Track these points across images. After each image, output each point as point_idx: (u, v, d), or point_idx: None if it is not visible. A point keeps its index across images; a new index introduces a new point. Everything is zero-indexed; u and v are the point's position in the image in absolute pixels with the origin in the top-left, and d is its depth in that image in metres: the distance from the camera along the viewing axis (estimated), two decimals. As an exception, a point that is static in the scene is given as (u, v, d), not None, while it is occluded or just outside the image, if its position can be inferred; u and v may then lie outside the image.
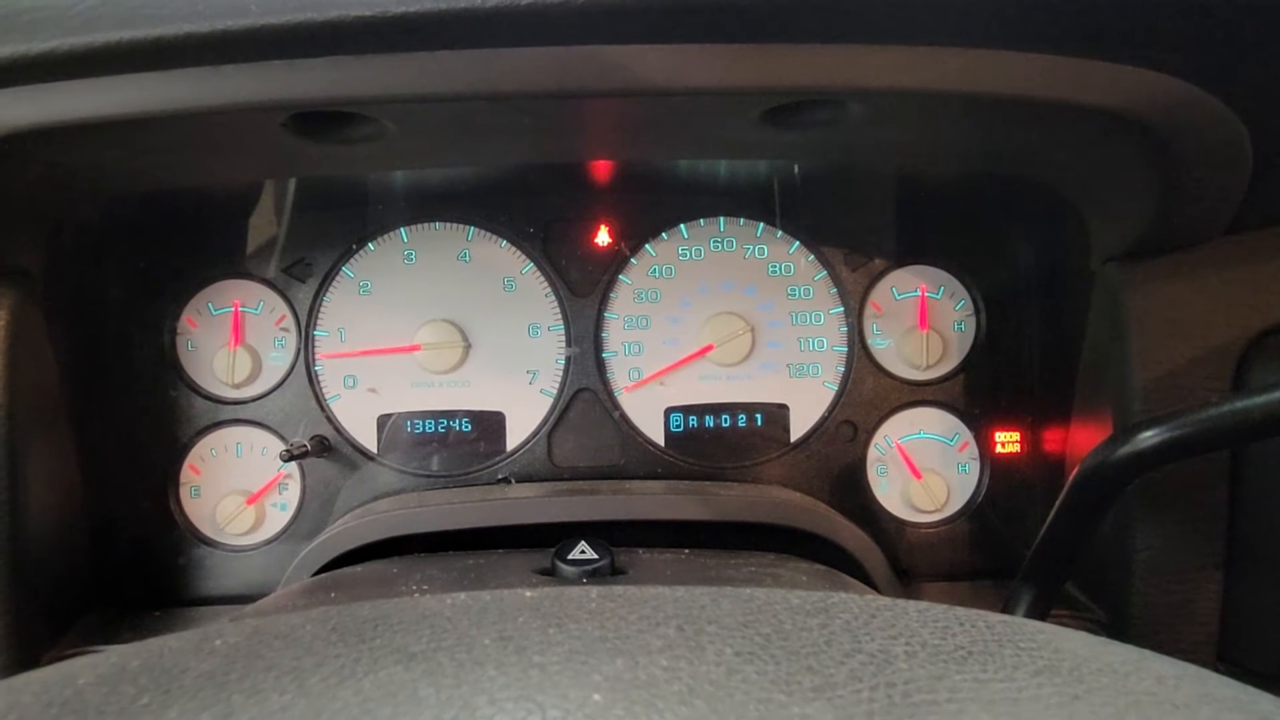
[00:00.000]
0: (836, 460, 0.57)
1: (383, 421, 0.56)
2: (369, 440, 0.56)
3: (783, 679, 0.17)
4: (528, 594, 0.22)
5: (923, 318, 0.57)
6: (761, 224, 0.57)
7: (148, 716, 0.17)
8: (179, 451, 0.55)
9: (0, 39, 0.30)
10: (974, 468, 0.57)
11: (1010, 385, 0.56)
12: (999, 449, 0.57)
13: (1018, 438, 0.57)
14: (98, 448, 0.51)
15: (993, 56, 0.34)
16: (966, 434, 0.57)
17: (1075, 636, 0.22)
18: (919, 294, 0.57)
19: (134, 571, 0.54)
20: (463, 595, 0.22)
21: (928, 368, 0.57)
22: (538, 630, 0.20)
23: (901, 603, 0.22)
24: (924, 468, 0.56)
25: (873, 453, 0.57)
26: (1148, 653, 0.21)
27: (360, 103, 0.36)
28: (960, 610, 0.21)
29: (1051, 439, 0.55)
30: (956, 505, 0.57)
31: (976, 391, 0.57)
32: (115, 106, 0.34)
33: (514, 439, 0.56)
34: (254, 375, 0.55)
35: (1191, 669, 0.20)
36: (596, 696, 0.17)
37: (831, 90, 0.37)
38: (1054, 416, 0.54)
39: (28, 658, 0.44)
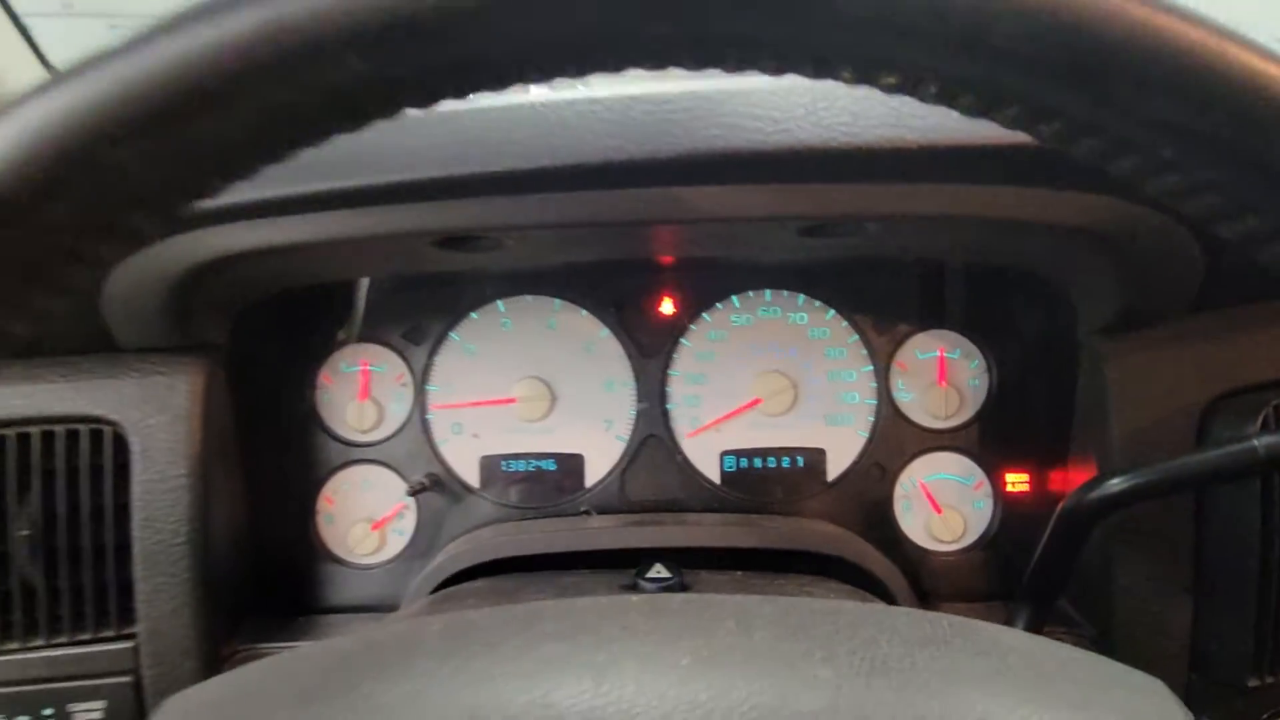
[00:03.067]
0: (867, 497, 0.66)
1: (484, 462, 0.67)
2: (472, 478, 0.66)
3: (804, 652, 0.27)
4: (632, 599, 0.32)
5: (941, 375, 0.66)
6: (802, 295, 0.67)
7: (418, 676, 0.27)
8: (317, 485, 0.66)
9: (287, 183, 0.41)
10: (987, 504, 0.66)
11: (1018, 434, 0.66)
12: (1009, 488, 0.66)
13: (1026, 478, 0.66)
14: (257, 483, 0.63)
15: (975, 189, 0.44)
16: (981, 475, 0.66)
17: (1012, 633, 0.31)
18: (938, 355, 0.66)
19: (281, 585, 0.65)
20: (588, 599, 0.33)
21: (947, 418, 0.66)
22: (644, 621, 0.30)
23: (893, 608, 0.32)
24: (944, 503, 0.66)
25: (899, 490, 0.66)
26: (1066, 646, 0.31)
27: (510, 230, 0.48)
28: (932, 614, 0.31)
29: (1054, 480, 0.64)
30: (972, 536, 0.66)
31: (989, 438, 0.66)
32: (336, 231, 0.46)
33: (592, 477, 0.67)
34: (378, 423, 0.66)
35: (1082, 654, 0.29)
36: (685, 660, 0.27)
37: (851, 217, 0.47)
38: (1055, 461, 0.63)
39: (214, 656, 0.55)
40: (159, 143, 0.19)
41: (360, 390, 0.66)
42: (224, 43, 0.19)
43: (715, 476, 0.66)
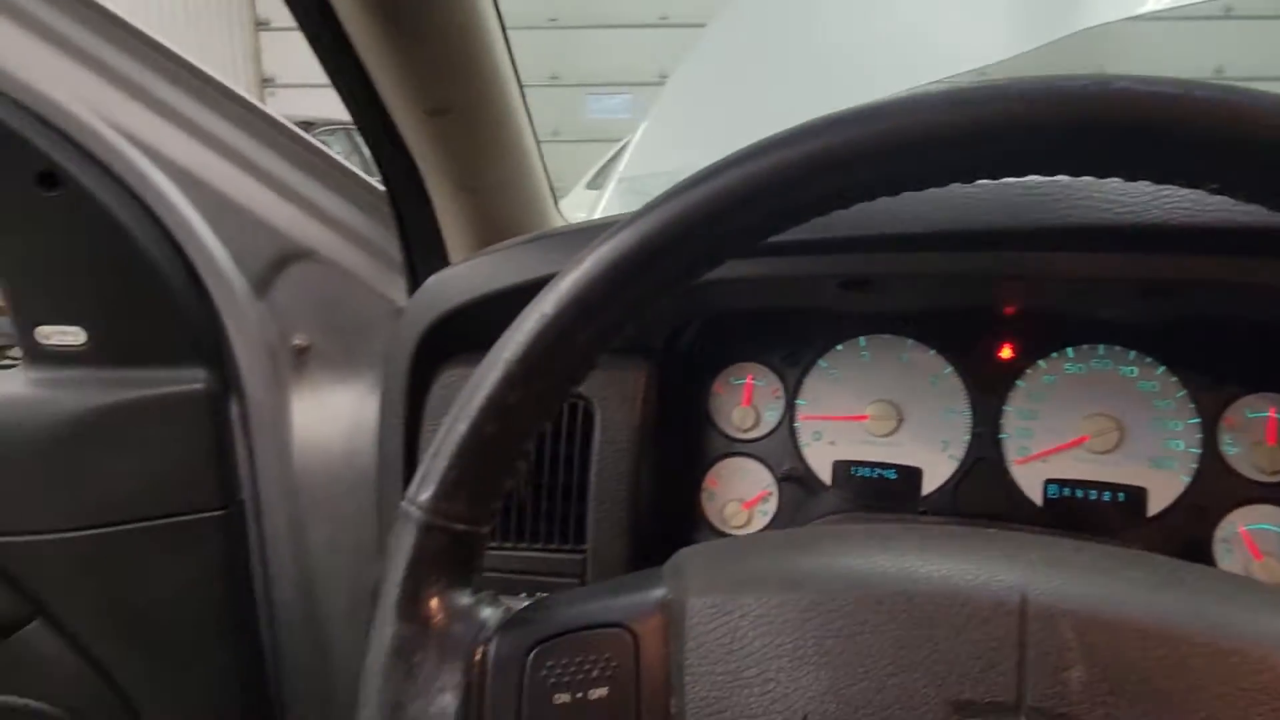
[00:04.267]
0: (1186, 536, 0.73)
1: (837, 465, 0.82)
2: (826, 476, 0.82)
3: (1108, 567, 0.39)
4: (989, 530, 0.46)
5: (1270, 434, 0.72)
6: (1134, 351, 0.76)
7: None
8: (704, 468, 0.85)
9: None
10: (1310, 557, 0.71)
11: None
12: (1335, 545, 0.70)
13: (1354, 539, 0.70)
14: (663, 458, 0.83)
15: None
16: (1305, 530, 0.71)
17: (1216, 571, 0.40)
18: (1268, 415, 0.72)
19: (671, 542, 0.84)
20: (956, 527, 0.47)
21: (1272, 473, 0.72)
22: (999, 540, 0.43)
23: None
24: (1264, 551, 0.71)
25: (1218, 533, 0.72)
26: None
27: (910, 277, 0.64)
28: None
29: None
30: (1293, 586, 0.71)
31: None
32: (785, 270, 0.65)
33: (927, 488, 0.80)
34: (755, 425, 0.84)
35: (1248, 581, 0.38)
36: (1034, 555, 0.40)
37: (1187, 284, 0.58)
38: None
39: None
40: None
41: (744, 398, 0.85)
42: (792, 163, 0.37)
43: (1038, 500, 0.77)
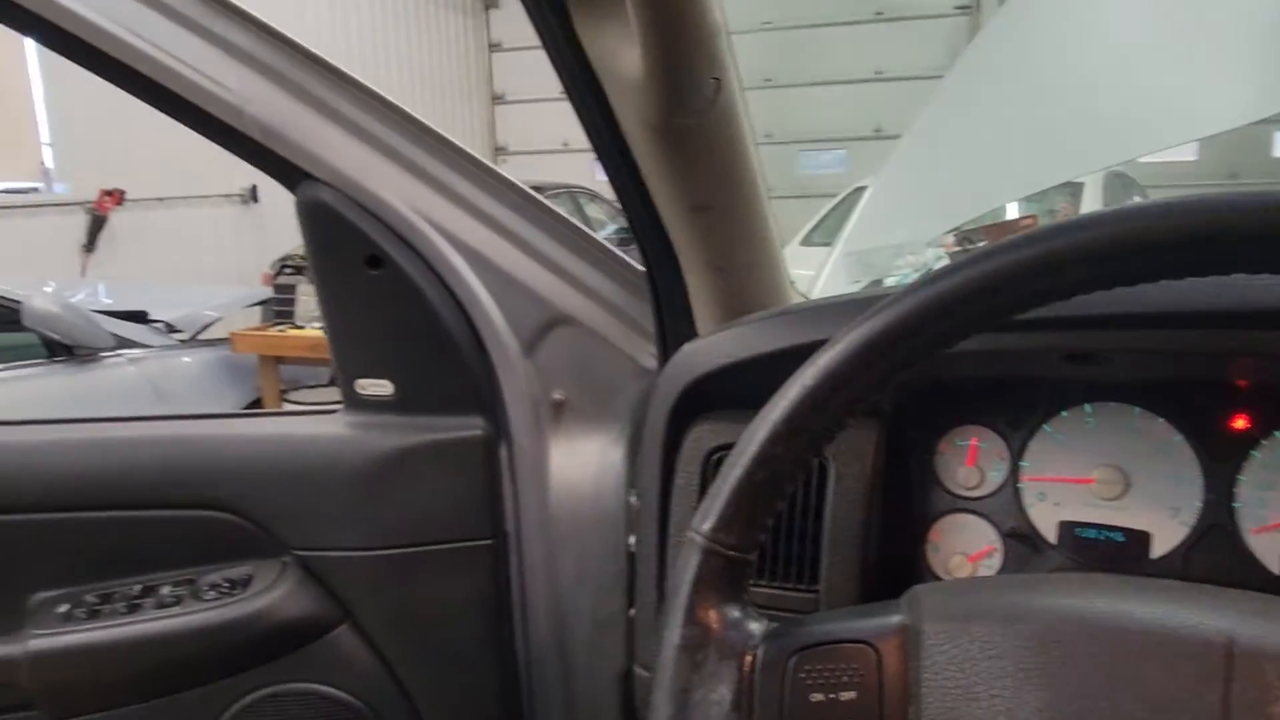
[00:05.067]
0: None
1: (1061, 525, 0.85)
2: (1051, 536, 0.86)
3: None
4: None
5: None
6: (1386, 422, 0.75)
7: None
8: (929, 523, 0.91)
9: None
10: None
11: None
12: None
13: None
14: (889, 515, 0.89)
15: None
16: None
17: None
18: None
19: (897, 592, 0.90)
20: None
21: None
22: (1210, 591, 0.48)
23: None
24: None
25: None
26: None
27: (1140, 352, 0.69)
28: None
29: None
30: None
31: None
32: (1019, 344, 0.72)
33: (1156, 553, 0.82)
34: (980, 484, 0.89)
35: None
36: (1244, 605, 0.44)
37: None
38: None
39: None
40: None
41: (969, 458, 0.90)
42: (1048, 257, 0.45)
43: (1275, 569, 0.77)
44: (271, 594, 1.06)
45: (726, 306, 0.94)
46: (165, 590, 1.07)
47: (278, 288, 4.39)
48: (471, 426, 1.08)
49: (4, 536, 1.06)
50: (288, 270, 4.46)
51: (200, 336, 4.07)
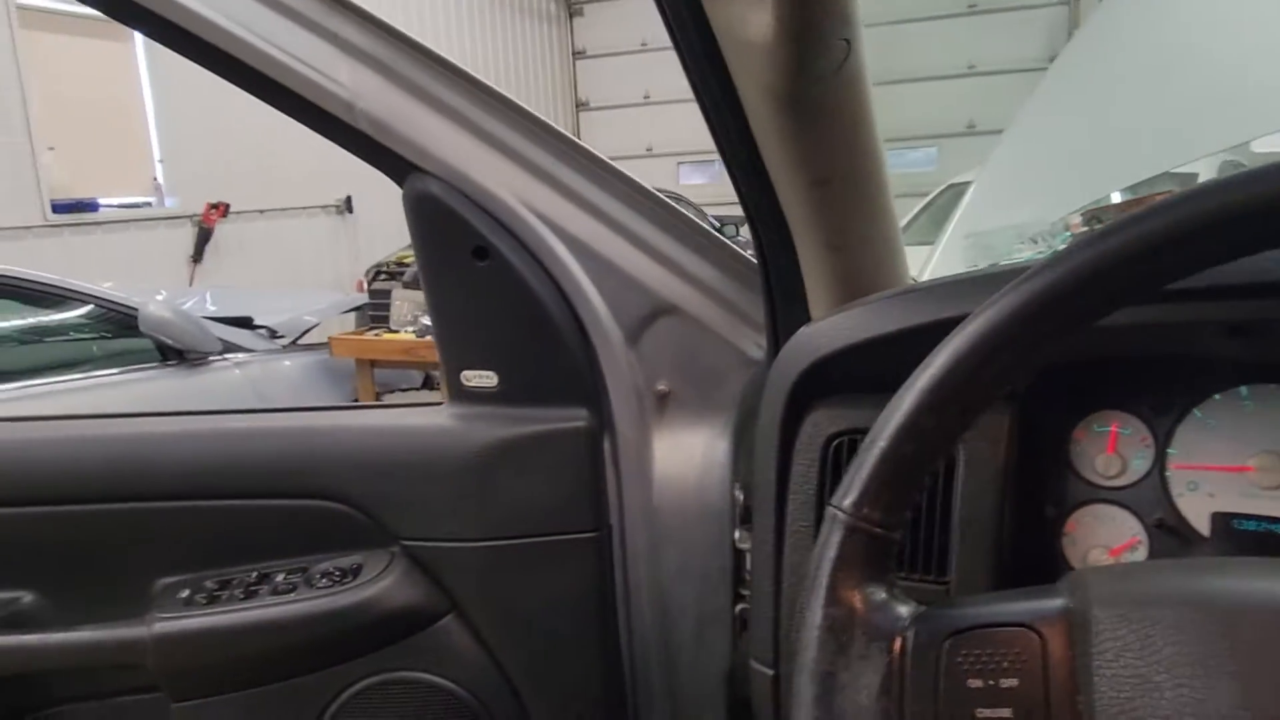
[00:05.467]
0: None
1: (1215, 517, 0.79)
2: (1203, 528, 0.79)
3: None
4: None
5: None
6: None
7: None
8: (1065, 514, 0.85)
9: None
10: None
11: None
12: None
13: None
14: (1022, 504, 0.84)
15: None
16: None
17: None
18: None
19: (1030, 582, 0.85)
20: None
21: None
22: None
23: None
24: None
25: None
26: None
27: None
28: None
29: None
30: None
31: None
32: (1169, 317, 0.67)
33: None
34: (1121, 472, 0.83)
35: None
36: None
37: None
38: None
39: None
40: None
41: (1109, 445, 0.84)
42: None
43: None
44: (380, 583, 1.07)
45: (842, 288, 0.90)
46: (280, 578, 1.09)
47: (373, 293, 4.50)
48: (575, 418, 1.07)
49: (131, 523, 1.09)
50: (382, 276, 4.58)
51: (300, 341, 4.20)
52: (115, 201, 6.46)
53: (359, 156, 1.05)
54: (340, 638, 1.08)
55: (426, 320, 3.96)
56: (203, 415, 1.14)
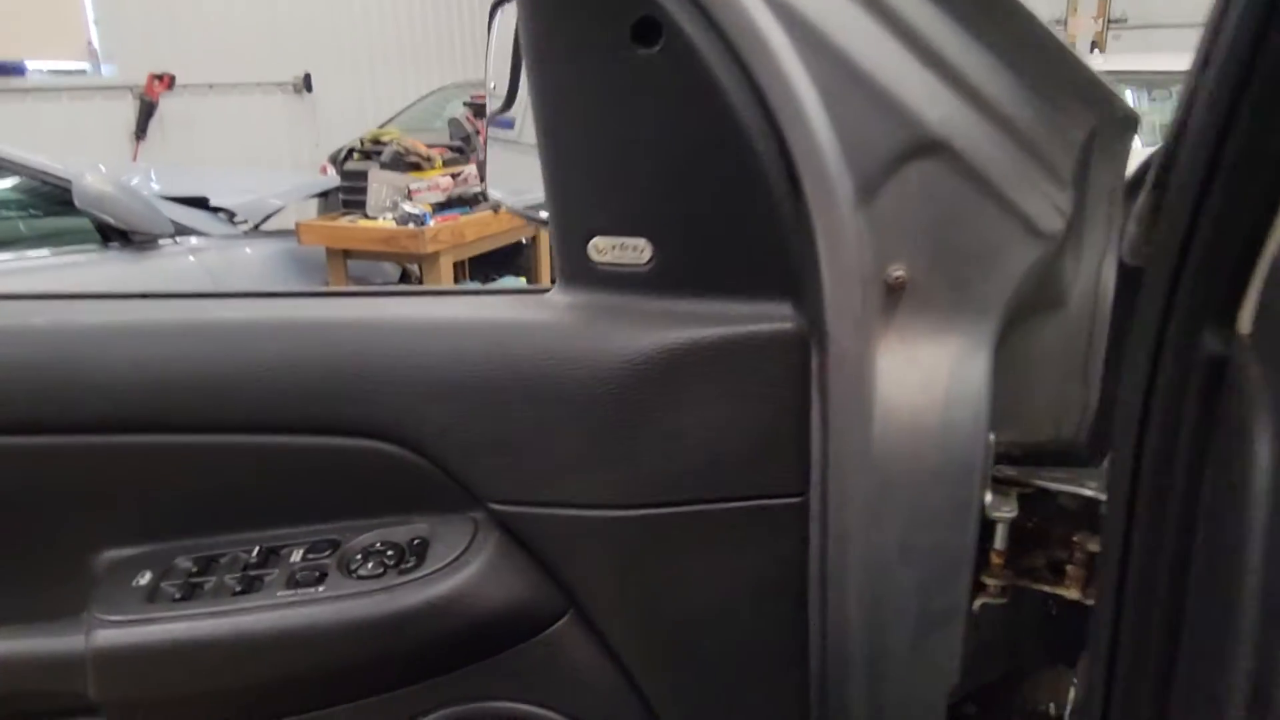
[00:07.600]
0: None
1: None
2: None
3: None
4: None
5: None
6: None
7: None
8: None
9: None
10: None
11: None
12: None
13: None
14: None
15: None
16: None
17: None
18: None
19: None
20: None
21: None
22: None
23: None
24: None
25: None
26: None
27: None
28: None
29: None
30: None
31: None
32: None
33: None
34: None
35: None
36: None
37: None
38: None
39: None
40: None
41: None
42: None
43: None
44: (461, 571, 0.69)
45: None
46: (295, 558, 0.70)
47: (345, 174, 4.02)
48: (774, 316, 0.69)
49: (66, 464, 0.69)
50: (356, 156, 4.06)
51: (263, 227, 3.71)
52: (45, 67, 5.84)
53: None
54: (395, 656, 0.70)
55: (408, 207, 3.51)
56: (177, 299, 0.72)
